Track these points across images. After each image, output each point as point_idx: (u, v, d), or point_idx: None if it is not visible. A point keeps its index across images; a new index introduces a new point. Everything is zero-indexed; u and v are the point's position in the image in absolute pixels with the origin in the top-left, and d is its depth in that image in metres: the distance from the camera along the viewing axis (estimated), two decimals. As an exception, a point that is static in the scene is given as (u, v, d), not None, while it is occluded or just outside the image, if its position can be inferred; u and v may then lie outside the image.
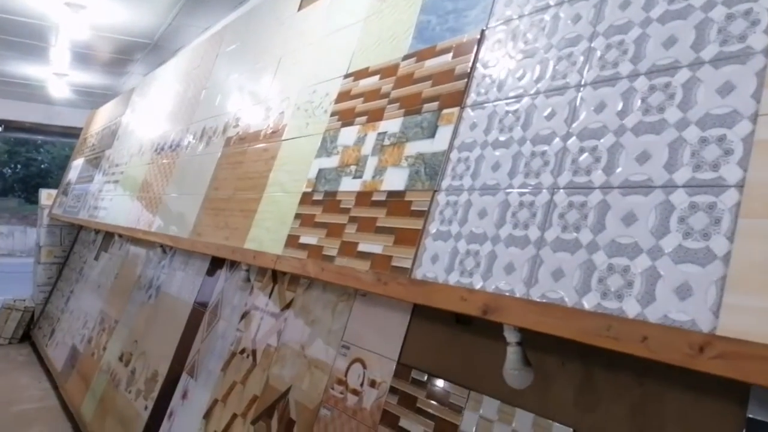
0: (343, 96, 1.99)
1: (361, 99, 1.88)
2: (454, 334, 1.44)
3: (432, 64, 1.64)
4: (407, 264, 1.38)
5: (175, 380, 2.78)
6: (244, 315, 2.52)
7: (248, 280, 2.49)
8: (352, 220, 1.65)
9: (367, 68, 1.92)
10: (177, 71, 4.17)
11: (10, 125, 8.19)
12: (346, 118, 1.92)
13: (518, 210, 1.18)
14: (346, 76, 2.03)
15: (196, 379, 2.59)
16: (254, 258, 2.03)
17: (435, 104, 1.55)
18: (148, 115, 4.43)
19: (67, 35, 4.68)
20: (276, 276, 2.30)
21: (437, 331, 1.49)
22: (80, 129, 8.11)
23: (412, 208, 1.45)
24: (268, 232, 2.06)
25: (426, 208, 1.41)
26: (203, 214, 2.69)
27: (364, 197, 1.65)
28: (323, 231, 1.75)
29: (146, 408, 2.96)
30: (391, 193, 1.55)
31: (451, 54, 1.58)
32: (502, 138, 1.31)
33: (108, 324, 4.36)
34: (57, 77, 6.30)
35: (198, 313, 3.08)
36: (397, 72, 1.77)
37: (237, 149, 2.65)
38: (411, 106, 1.63)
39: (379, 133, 1.71)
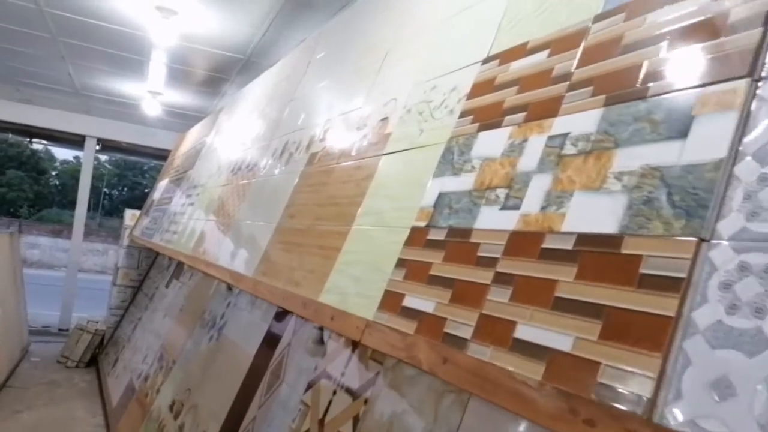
0: (482, 87, 1.32)
1: (515, 88, 1.20)
2: None
3: (660, 17, 0.93)
4: (641, 389, 0.66)
5: (220, 459, 2.16)
6: (312, 384, 1.86)
7: (321, 342, 1.83)
8: (502, 279, 0.95)
9: (525, 44, 1.25)
10: (264, 86, 3.71)
11: (107, 144, 8.23)
12: (486, 117, 1.24)
13: None
14: (487, 60, 1.36)
15: (243, 466, 1.94)
16: (332, 320, 1.37)
17: (678, 81, 0.84)
18: (230, 134, 3.99)
19: (161, 46, 4.39)
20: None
21: None
22: (170, 151, 8.01)
23: (643, 270, 0.73)
24: (356, 283, 1.40)
25: (684, 275, 0.68)
26: (273, 248, 2.09)
27: (524, 241, 0.95)
28: (445, 292, 1.07)
29: (182, 489, 2.35)
30: (587, 238, 0.84)
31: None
32: None
33: (166, 362, 3.85)
34: (151, 96, 6.14)
35: (258, 368, 2.48)
36: (585, 40, 1.07)
37: (321, 167, 2.04)
38: (620, 89, 0.93)
39: (553, 137, 1.02)
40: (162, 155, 7.71)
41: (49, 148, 31.24)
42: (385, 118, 1.74)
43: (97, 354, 6.30)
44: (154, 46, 4.56)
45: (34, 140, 8.81)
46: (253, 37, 4.02)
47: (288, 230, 2.05)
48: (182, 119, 7.28)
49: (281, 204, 2.24)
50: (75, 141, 8.12)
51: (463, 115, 1.34)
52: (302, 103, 2.71)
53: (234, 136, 3.87)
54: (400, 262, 1.25)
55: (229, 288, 3.08)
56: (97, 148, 8.10)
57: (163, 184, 6.31)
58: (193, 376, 3.16)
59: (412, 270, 1.20)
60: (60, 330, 7.61)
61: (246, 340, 2.74)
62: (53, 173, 33.85)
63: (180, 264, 4.82)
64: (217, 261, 2.79)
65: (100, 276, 15.68)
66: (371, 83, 2.01)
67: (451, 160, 1.27)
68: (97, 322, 6.48)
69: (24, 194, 27.81)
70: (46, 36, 4.57)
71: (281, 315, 2.57)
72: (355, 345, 1.64)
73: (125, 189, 36.17)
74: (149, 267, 6.63)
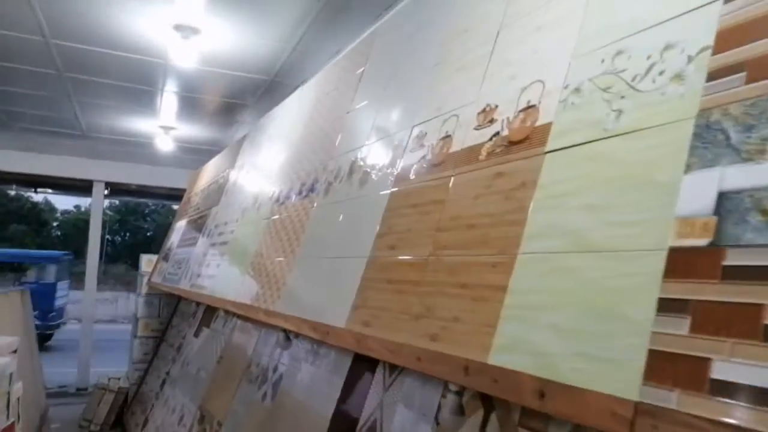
0: (744, 32, 0.88)
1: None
2: None
3: None
4: None
5: None
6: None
7: (462, 412, 1.36)
8: None
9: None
10: (302, 102, 3.30)
11: (115, 188, 7.82)
12: (779, 70, 0.81)
13: None
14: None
15: None
16: (542, 398, 0.90)
17: None
18: (263, 162, 3.57)
19: (176, 72, 3.99)
20: (490, 400, 1.16)
21: None
22: (184, 190, 7.60)
23: None
24: (566, 338, 0.94)
25: None
26: (370, 289, 1.63)
27: None
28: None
29: None
30: None
31: None
32: None
33: (209, 426, 3.36)
34: (164, 131, 5.75)
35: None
36: None
37: (424, 183, 1.60)
38: None
39: None
40: (175, 195, 7.30)
41: (49, 198, 31.01)
42: (531, 107, 1.30)
43: (121, 414, 5.78)
44: (169, 73, 4.17)
45: (38, 189, 8.41)
46: (282, 53, 3.62)
47: (389, 265, 1.59)
48: (195, 155, 6.89)
49: (368, 233, 1.79)
50: (81, 187, 7.72)
51: (716, 75, 0.90)
52: (365, 113, 2.28)
53: (268, 163, 3.44)
54: (670, 305, 0.80)
55: (288, 338, 2.61)
56: (106, 192, 7.70)
57: (181, 225, 5.88)
58: (250, 444, 2.68)
59: (706, 317, 0.75)
60: (78, 390, 7.10)
61: (316, 398, 2.28)
62: (54, 224, 33.49)
63: (209, 309, 4.36)
64: (274, 307, 2.33)
65: (112, 326, 15.16)
66: (482, 71, 1.58)
67: (726, 141, 0.83)
68: (118, 379, 5.98)
69: (27, 248, 27.46)
70: (52, 73, 4.19)
71: (356, 368, 2.11)
72: (488, 406, 1.17)
73: (127, 234, 35.75)
74: (171, 315, 6.16)
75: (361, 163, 2.09)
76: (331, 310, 1.83)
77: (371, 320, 1.55)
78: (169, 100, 4.89)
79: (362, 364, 2.06)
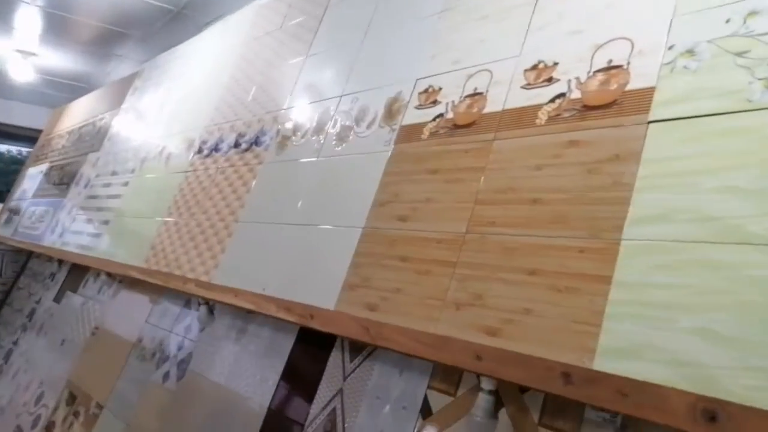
0: None
1: None
2: None
3: None
4: None
5: None
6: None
7: (493, 416, 1.17)
8: None
9: None
10: (229, 43, 2.83)
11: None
12: None
13: None
14: None
15: None
16: (713, 422, 0.73)
17: None
18: (171, 105, 3.04)
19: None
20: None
21: None
22: (38, 131, 6.52)
23: None
24: (719, 345, 0.77)
25: None
26: (371, 266, 1.36)
27: None
28: None
29: None
30: None
31: None
32: None
33: (85, 406, 2.86)
34: (21, 56, 4.77)
35: (284, 428, 1.77)
36: None
37: (449, 145, 1.35)
38: None
39: None
40: (27, 136, 6.21)
41: None
42: (615, 67, 1.11)
43: (-53, 391, 4.83)
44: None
45: None
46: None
47: (401, 239, 1.33)
48: (55, 90, 5.87)
49: (358, 199, 1.51)
50: None
51: None
52: (334, 61, 1.95)
53: (177, 108, 2.93)
54: None
55: (211, 312, 2.24)
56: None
57: (37, 171, 4.98)
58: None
59: None
60: None
61: (246, 386, 1.98)
62: None
63: (77, 272, 3.73)
64: (210, 278, 1.96)
65: None
66: (522, 22, 1.36)
67: None
68: (-57, 349, 4.98)
69: None
70: None
71: (306, 345, 1.85)
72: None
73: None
74: (17, 274, 5.26)
75: (337, 118, 1.78)
76: (305, 288, 1.52)
77: (380, 304, 1.29)
78: (30, 15, 4.00)
79: (309, 345, 1.79)
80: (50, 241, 3.60)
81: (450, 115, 1.41)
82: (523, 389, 1.15)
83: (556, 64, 1.23)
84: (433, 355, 1.10)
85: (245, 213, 1.94)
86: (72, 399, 3.01)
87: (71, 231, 3.35)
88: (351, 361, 1.71)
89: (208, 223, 2.09)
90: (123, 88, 3.98)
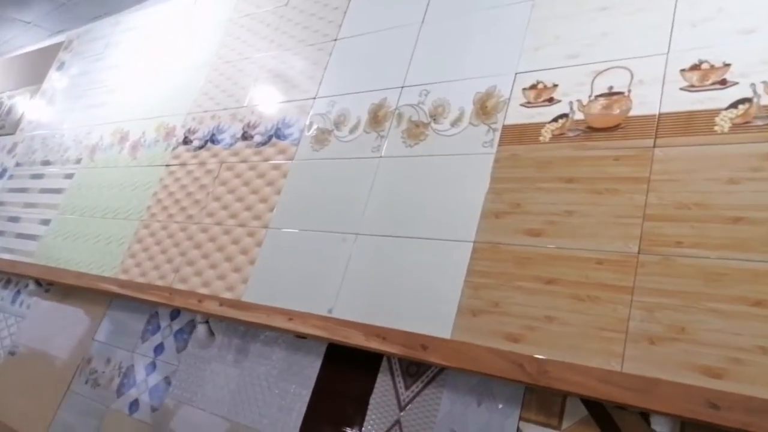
0: None
1: None
2: None
3: None
4: None
5: None
6: None
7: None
8: None
9: None
10: (226, 12, 2.45)
11: None
12: None
13: None
14: None
15: None
16: None
17: None
18: (141, 87, 2.58)
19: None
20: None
21: None
22: None
23: None
24: None
25: None
26: (501, 288, 1.16)
27: None
28: None
29: None
30: None
31: None
32: None
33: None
34: None
35: None
36: None
37: (586, 151, 1.19)
38: None
39: None
40: None
41: None
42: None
43: None
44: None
45: None
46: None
47: (539, 258, 1.14)
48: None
49: (459, 208, 1.30)
50: None
51: None
52: (386, 41, 1.72)
53: (151, 89, 2.50)
54: None
55: (211, 332, 1.90)
56: None
57: None
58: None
59: None
60: None
61: (251, 414, 1.73)
62: None
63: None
64: (239, 294, 1.64)
65: None
66: (663, 16, 1.23)
67: None
68: None
69: None
70: None
71: (335, 360, 1.63)
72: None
73: None
74: None
75: (402, 112, 1.54)
76: (393, 311, 1.29)
77: (525, 334, 1.09)
78: None
79: (343, 368, 1.55)
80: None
81: (579, 116, 1.24)
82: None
83: (727, 65, 1.10)
84: (635, 401, 0.93)
85: (279, 218, 1.64)
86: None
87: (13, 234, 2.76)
88: (407, 387, 1.50)
89: (220, 228, 1.76)
90: (42, 62, 3.37)
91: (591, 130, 1.21)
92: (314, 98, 1.79)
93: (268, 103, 1.91)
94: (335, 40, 1.86)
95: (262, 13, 2.19)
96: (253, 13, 2.22)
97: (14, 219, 2.62)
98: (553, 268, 1.12)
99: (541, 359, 1.05)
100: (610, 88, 1.23)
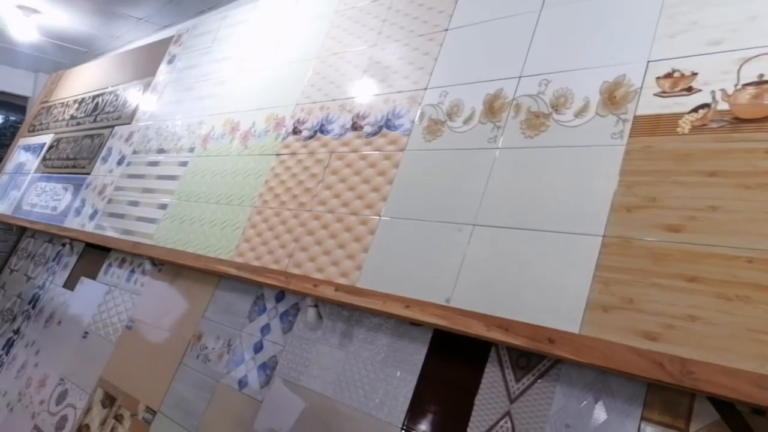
0: None
1: None
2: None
3: None
4: None
5: None
6: None
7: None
8: None
9: None
10: (332, 5, 2.51)
11: None
12: None
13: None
14: None
15: None
16: None
17: None
18: (250, 79, 2.69)
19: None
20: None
21: None
22: (21, 97, 5.97)
23: None
24: None
25: None
26: (634, 284, 1.13)
27: None
28: None
29: None
30: None
31: None
32: None
33: (129, 410, 2.58)
34: (23, 13, 4.26)
35: None
36: None
37: (732, 143, 1.13)
38: None
39: None
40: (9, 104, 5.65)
41: None
42: None
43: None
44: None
45: None
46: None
47: (680, 255, 1.10)
48: (46, 53, 5.33)
49: (583, 200, 1.27)
50: None
51: None
52: (502, 30, 1.69)
53: (260, 81, 2.60)
54: None
55: (319, 315, 1.96)
56: None
57: (37, 143, 4.49)
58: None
59: None
60: None
61: (356, 396, 1.75)
62: None
63: (91, 253, 3.35)
64: (353, 281, 1.69)
65: None
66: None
67: None
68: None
69: None
70: None
71: (442, 348, 1.62)
72: None
73: None
74: (7, 255, 4.80)
75: (520, 103, 1.52)
76: (514, 303, 1.28)
77: (663, 333, 1.06)
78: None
79: (450, 357, 1.55)
80: (77, 223, 3.21)
81: (723, 106, 1.18)
82: None
83: None
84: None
85: (392, 208, 1.67)
86: (110, 401, 2.68)
87: (107, 213, 2.98)
88: (517, 380, 1.49)
89: (332, 216, 1.81)
90: (152, 56, 3.57)
91: (738, 121, 1.15)
92: (425, 89, 1.80)
93: (376, 93, 1.94)
94: (446, 30, 1.85)
95: (368, 5, 2.21)
96: (358, 5, 2.25)
97: (134, 203, 2.81)
98: (696, 265, 1.08)
99: (685, 359, 1.01)
100: (761, 76, 1.15)
